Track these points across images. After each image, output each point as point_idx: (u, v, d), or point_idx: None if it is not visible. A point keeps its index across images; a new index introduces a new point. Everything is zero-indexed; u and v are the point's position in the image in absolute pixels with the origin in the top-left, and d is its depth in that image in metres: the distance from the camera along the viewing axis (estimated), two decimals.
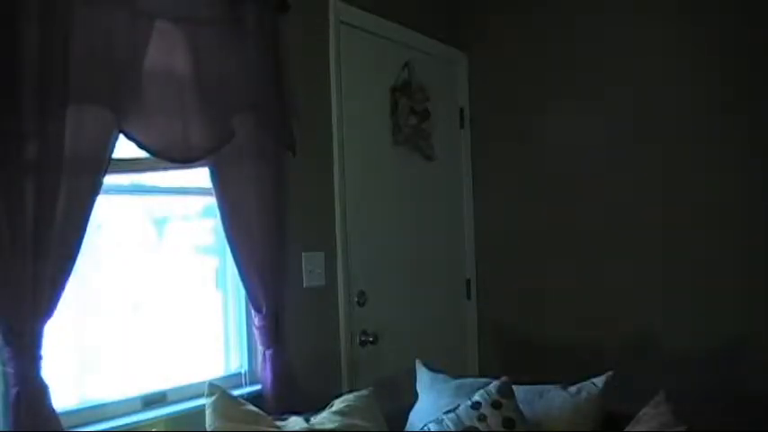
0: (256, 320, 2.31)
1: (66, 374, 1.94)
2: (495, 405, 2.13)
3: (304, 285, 2.59)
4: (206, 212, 2.46)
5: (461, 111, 3.59)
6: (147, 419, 2.04)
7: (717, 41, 2.92)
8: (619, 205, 3.17)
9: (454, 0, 3.56)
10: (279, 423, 1.98)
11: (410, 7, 3.24)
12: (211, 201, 2.24)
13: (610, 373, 2.25)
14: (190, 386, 2.23)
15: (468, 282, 3.59)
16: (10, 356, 1.62)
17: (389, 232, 3.08)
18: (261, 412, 2.02)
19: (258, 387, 2.36)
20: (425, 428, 2.16)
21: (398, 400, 2.48)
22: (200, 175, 2.23)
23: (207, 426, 1.92)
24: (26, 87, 1.64)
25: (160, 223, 2.48)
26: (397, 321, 3.04)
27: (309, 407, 2.14)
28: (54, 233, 1.68)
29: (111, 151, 1.83)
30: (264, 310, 2.29)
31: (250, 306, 2.33)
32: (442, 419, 2.14)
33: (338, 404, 2.10)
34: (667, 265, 3.04)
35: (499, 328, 3.52)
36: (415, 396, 2.43)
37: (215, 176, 2.18)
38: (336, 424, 1.99)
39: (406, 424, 2.36)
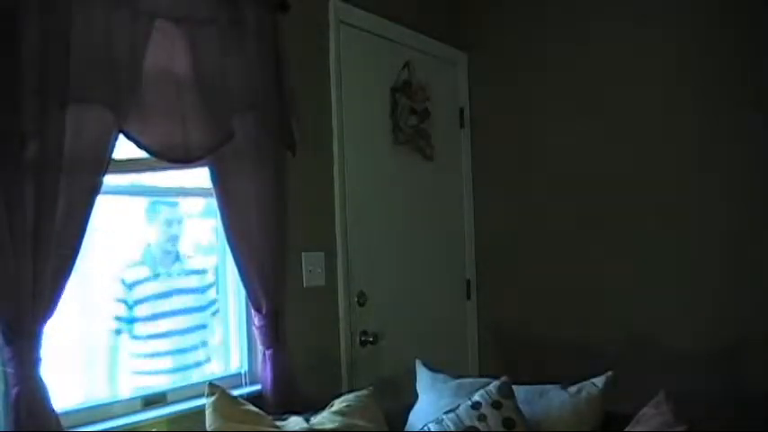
0: (256, 320, 2.31)
1: (67, 374, 1.94)
2: (495, 405, 2.13)
3: (304, 285, 2.59)
4: (206, 212, 2.46)
5: (461, 111, 3.59)
6: (147, 419, 2.04)
7: (717, 43, 2.92)
8: (619, 205, 3.16)
9: (454, 0, 3.57)
10: (279, 423, 1.98)
11: (410, 7, 3.24)
12: (211, 201, 2.24)
13: (610, 373, 2.25)
14: (190, 386, 2.24)
15: (468, 282, 3.59)
16: (10, 356, 1.63)
17: (389, 232, 3.08)
18: (261, 412, 2.02)
19: (258, 387, 2.36)
20: (425, 428, 2.16)
21: (398, 400, 2.48)
22: (200, 175, 2.23)
23: (207, 426, 1.92)
24: (26, 87, 1.64)
25: (144, 227, 2.50)
26: (397, 321, 3.04)
27: (309, 407, 2.14)
28: (54, 233, 1.68)
29: (111, 151, 1.83)
30: (264, 310, 2.29)
31: (250, 306, 2.32)
32: (442, 419, 2.14)
33: (338, 404, 2.10)
34: (667, 264, 3.04)
35: (499, 328, 3.52)
36: (415, 396, 2.43)
37: (215, 176, 2.18)
38: (336, 424, 1.99)
39: (406, 424, 2.36)
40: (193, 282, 2.61)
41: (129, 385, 2.38)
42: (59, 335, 1.82)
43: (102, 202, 1.83)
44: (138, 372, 2.46)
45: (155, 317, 2.51)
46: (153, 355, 2.50)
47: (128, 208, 2.44)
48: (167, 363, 2.50)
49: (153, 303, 2.51)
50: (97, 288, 2.42)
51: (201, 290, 2.62)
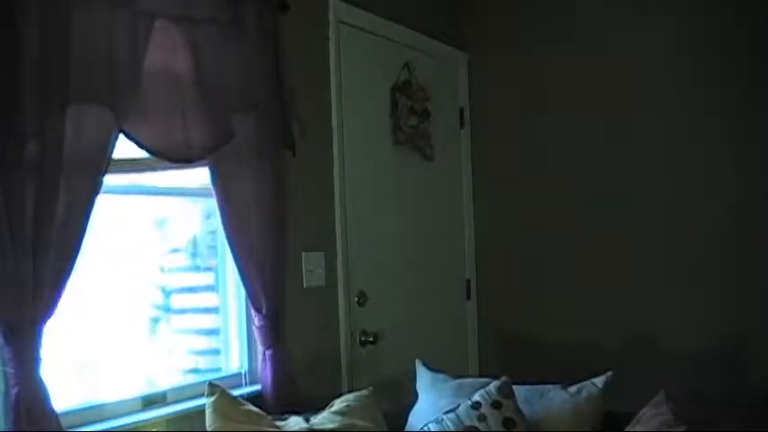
0: (256, 320, 2.31)
1: (66, 374, 1.94)
2: (495, 405, 2.13)
3: (304, 285, 2.59)
4: (206, 212, 2.45)
5: (461, 111, 3.59)
6: (147, 419, 2.04)
7: (717, 40, 2.93)
8: (619, 205, 3.17)
9: (454, 0, 3.57)
10: (279, 423, 1.98)
11: (410, 7, 3.24)
12: (211, 201, 2.24)
13: (610, 373, 2.26)
14: (190, 386, 2.23)
15: (468, 282, 3.59)
16: (10, 356, 1.62)
17: (389, 232, 3.08)
18: (261, 412, 2.02)
19: (258, 387, 2.35)
20: (425, 428, 2.16)
21: (398, 400, 2.48)
22: (201, 175, 2.23)
23: (207, 426, 1.92)
24: (26, 87, 1.64)
25: (160, 223, 2.47)
26: (397, 321, 3.04)
27: (309, 407, 2.14)
28: (54, 233, 1.68)
29: (111, 151, 1.83)
30: (264, 310, 2.29)
31: (250, 306, 2.32)
32: (442, 419, 2.15)
33: (338, 404, 2.10)
34: (667, 264, 3.04)
35: (499, 328, 3.52)
36: (415, 396, 2.43)
37: (215, 176, 2.18)
38: (336, 424, 1.99)
39: (406, 424, 2.36)
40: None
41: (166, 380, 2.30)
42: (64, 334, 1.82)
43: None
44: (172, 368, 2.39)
45: (191, 310, 2.45)
46: (186, 352, 2.43)
47: (148, 205, 2.38)
48: (196, 361, 2.46)
49: (190, 296, 2.44)
50: (135, 275, 2.33)
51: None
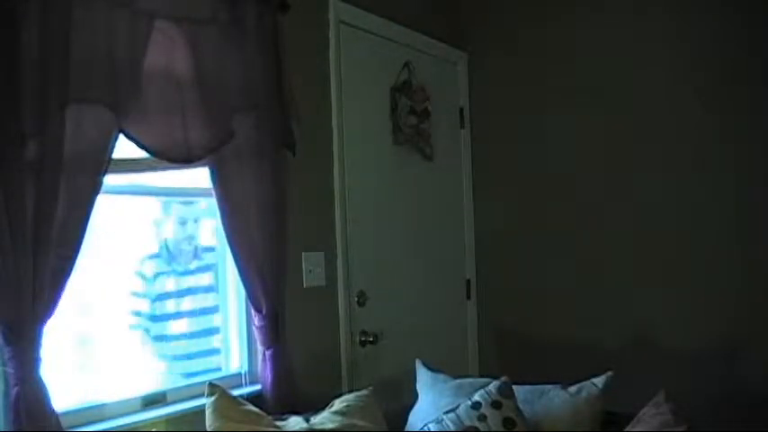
0: (256, 320, 2.31)
1: (66, 374, 1.94)
2: (495, 405, 2.13)
3: (304, 285, 2.59)
4: (206, 212, 2.46)
5: (461, 111, 3.59)
6: (147, 419, 2.04)
7: (718, 40, 2.92)
8: (619, 205, 3.16)
9: (454, 0, 3.57)
10: (279, 423, 1.99)
11: (410, 7, 3.24)
12: (211, 201, 2.24)
13: (610, 373, 2.26)
14: (190, 386, 2.24)
15: (468, 282, 3.59)
16: (10, 356, 1.63)
17: (389, 232, 3.08)
18: (261, 412, 2.02)
19: (258, 387, 2.36)
20: (425, 428, 2.16)
21: (398, 400, 2.48)
22: (201, 176, 2.23)
23: (207, 426, 1.92)
24: (26, 87, 1.64)
25: (160, 223, 2.47)
26: (397, 321, 3.04)
27: (309, 407, 2.14)
28: (54, 233, 1.68)
29: (111, 151, 1.83)
30: (264, 310, 2.29)
31: (250, 306, 2.32)
32: (442, 419, 2.15)
33: (338, 404, 2.10)
34: (667, 264, 3.04)
35: (499, 328, 3.52)
36: (415, 396, 2.43)
37: (215, 176, 2.18)
38: (336, 424, 1.99)
39: (406, 424, 2.36)
40: (208, 279, 2.52)
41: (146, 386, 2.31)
42: (63, 334, 1.81)
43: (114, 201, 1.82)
44: (155, 372, 2.39)
45: (173, 315, 2.44)
46: (172, 358, 2.43)
47: (141, 205, 2.38)
48: (183, 365, 2.46)
49: (172, 300, 2.44)
50: (110, 283, 2.32)
51: (216, 288, 2.52)
